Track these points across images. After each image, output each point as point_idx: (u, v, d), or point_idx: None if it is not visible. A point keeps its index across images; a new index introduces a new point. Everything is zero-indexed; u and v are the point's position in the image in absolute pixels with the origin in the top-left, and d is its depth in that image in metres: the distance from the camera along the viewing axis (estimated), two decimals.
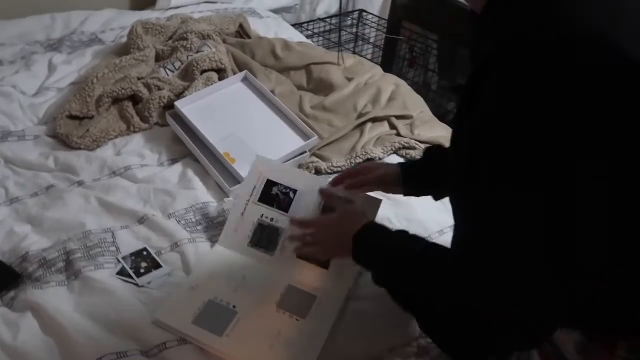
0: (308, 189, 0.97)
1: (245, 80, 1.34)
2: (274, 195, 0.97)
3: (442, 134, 1.35)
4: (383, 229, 0.78)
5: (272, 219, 0.96)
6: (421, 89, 1.99)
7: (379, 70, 1.53)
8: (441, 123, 1.41)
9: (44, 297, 0.85)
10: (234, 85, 1.33)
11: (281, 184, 1.00)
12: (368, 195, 0.95)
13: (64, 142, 1.19)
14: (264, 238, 0.97)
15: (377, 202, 0.95)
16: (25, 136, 1.21)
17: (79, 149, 1.19)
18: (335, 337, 0.85)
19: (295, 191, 0.99)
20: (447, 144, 1.30)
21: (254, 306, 0.88)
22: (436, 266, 0.68)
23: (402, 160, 1.25)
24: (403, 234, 0.76)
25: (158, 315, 0.83)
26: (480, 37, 0.65)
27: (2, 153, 1.15)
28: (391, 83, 1.45)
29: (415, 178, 0.91)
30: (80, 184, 1.11)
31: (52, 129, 1.22)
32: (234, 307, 0.87)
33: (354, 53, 2.15)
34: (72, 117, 1.24)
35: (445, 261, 0.67)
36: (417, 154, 1.24)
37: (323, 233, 0.86)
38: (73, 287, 0.88)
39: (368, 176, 0.92)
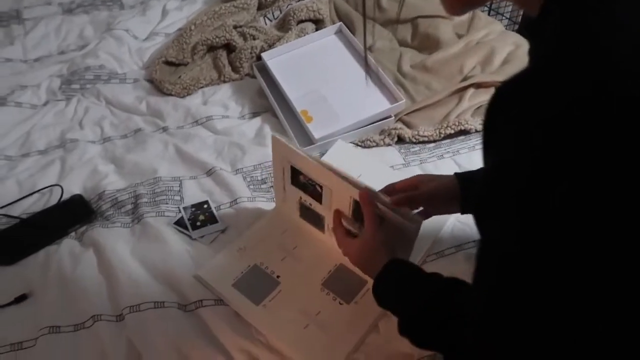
0: (334, 186, 0.79)
1: (339, 32, 1.25)
2: (303, 183, 0.84)
3: None
4: (402, 276, 0.66)
5: (310, 204, 0.89)
6: None
7: (497, 26, 1.32)
8: None
9: (107, 236, 0.89)
10: (326, 37, 1.24)
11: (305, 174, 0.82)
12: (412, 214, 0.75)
13: (158, 87, 1.23)
14: (310, 216, 0.91)
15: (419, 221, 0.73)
16: (127, 79, 1.27)
17: (170, 94, 1.21)
18: (377, 330, 0.78)
19: (321, 186, 0.80)
20: None
21: (298, 280, 0.83)
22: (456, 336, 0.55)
23: None
24: (424, 283, 0.64)
25: (200, 271, 0.83)
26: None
27: (103, 94, 1.22)
28: (509, 43, 1.24)
29: (473, 184, 0.73)
30: (165, 129, 1.14)
31: (150, 73, 1.26)
32: (278, 277, 0.83)
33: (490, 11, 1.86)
34: (168, 63, 1.27)
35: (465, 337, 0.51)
36: None
37: (345, 251, 0.77)
38: (135, 230, 0.91)
39: (415, 192, 0.76)
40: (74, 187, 1.00)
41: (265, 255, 0.86)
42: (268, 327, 0.76)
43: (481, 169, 0.77)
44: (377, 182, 0.83)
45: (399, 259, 0.68)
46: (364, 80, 1.15)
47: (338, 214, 0.79)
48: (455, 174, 0.78)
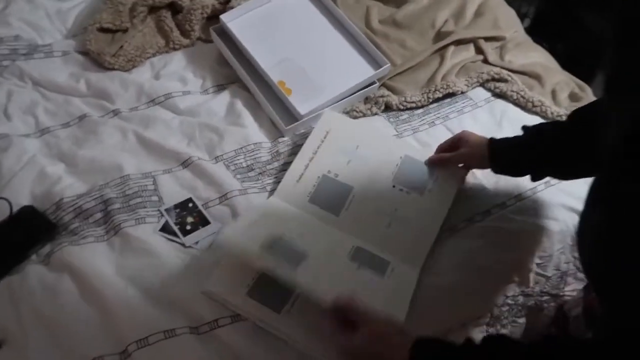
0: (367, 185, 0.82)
1: None
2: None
3: (537, 59, 1.12)
4: (442, 347, 0.58)
5: (337, 175, 0.81)
6: None
7: None
8: (535, 45, 1.16)
9: (82, 256, 0.75)
10: None
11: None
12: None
13: (96, 61, 1.03)
14: (328, 195, 0.83)
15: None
16: (53, 52, 1.05)
17: (113, 69, 1.03)
18: (409, 311, 0.75)
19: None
20: (543, 72, 1.09)
21: (322, 255, 0.76)
22: None
23: (489, 94, 1.05)
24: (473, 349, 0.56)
25: (207, 284, 0.73)
26: None
27: (28, 72, 1.00)
28: None
29: (505, 155, 0.80)
30: (116, 113, 0.97)
31: (82, 43, 1.05)
32: (292, 283, 0.75)
33: None
34: (103, 30, 1.07)
35: None
36: (508, 88, 1.03)
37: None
38: (113, 244, 0.78)
39: (454, 155, 0.86)
40: (20, 197, 0.82)
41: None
42: (298, 333, 0.70)
43: (518, 138, 0.78)
44: (377, 151, 0.90)
45: (424, 338, 0.59)
46: (341, 43, 1.05)
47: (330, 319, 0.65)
48: (490, 141, 0.82)
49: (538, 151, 0.77)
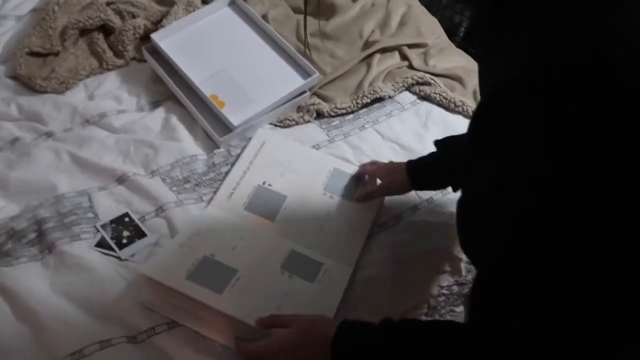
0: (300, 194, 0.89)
1: (232, 4, 1.15)
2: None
3: (459, 63, 1.19)
4: (362, 325, 0.62)
5: (271, 185, 0.84)
6: (432, 2, 1.77)
7: None
8: (458, 50, 1.24)
9: (15, 277, 0.75)
10: (220, 10, 1.14)
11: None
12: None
13: (27, 85, 1.04)
14: (263, 203, 0.86)
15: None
16: None
17: (45, 92, 1.03)
18: (345, 307, 0.78)
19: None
20: (464, 75, 1.16)
21: (255, 266, 0.78)
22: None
23: (414, 97, 1.11)
24: (388, 327, 0.59)
25: (145, 270, 0.74)
26: (491, 46, 0.46)
27: None
28: (402, 3, 1.26)
29: (424, 176, 0.85)
30: (50, 135, 0.97)
31: (11, 68, 1.05)
32: (232, 266, 0.78)
33: None
34: (33, 54, 1.07)
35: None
36: (432, 91, 1.09)
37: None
38: (47, 262, 0.78)
39: (374, 189, 0.90)
40: None
41: (212, 247, 0.79)
42: (241, 313, 0.71)
43: (432, 155, 0.81)
44: (308, 164, 0.94)
45: (347, 321, 0.63)
46: (271, 56, 1.09)
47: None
48: (407, 164, 0.85)
49: (450, 165, 0.80)
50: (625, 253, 0.35)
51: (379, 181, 0.92)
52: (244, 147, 0.97)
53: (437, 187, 0.89)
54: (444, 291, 0.93)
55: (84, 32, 1.12)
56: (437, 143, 0.85)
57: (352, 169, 0.95)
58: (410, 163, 0.85)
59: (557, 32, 0.37)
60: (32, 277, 0.76)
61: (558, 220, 0.36)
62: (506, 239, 0.40)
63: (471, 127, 0.45)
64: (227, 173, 0.93)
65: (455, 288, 0.95)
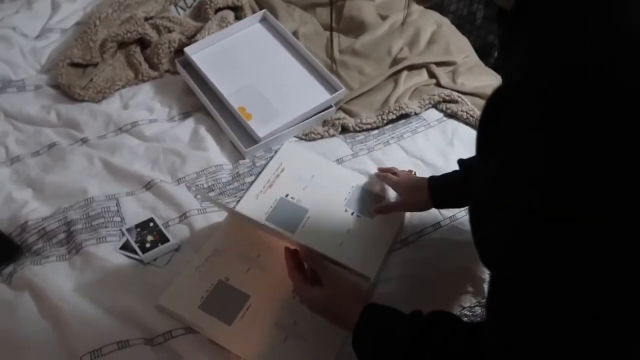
0: (321, 209, 0.90)
1: (263, 20, 1.18)
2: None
3: (488, 82, 1.18)
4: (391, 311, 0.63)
5: (293, 198, 0.85)
6: (464, 22, 1.77)
7: (415, 5, 1.33)
8: (488, 69, 1.23)
9: (43, 274, 0.78)
10: (251, 26, 1.17)
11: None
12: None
13: (67, 93, 1.09)
14: (284, 215, 0.87)
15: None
16: (26, 86, 1.10)
17: (82, 100, 1.08)
18: None
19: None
20: None
21: (268, 291, 0.79)
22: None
23: (441, 115, 1.10)
24: (408, 319, 0.59)
25: (161, 300, 0.76)
26: (510, 46, 0.45)
27: (1, 106, 1.05)
28: (432, 22, 1.26)
29: (446, 196, 0.83)
30: (84, 141, 1.01)
31: (53, 77, 1.11)
32: (246, 290, 0.78)
33: None
34: (74, 65, 1.13)
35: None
36: (459, 109, 1.09)
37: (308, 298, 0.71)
38: (74, 262, 0.81)
39: (393, 203, 0.91)
40: None
41: (227, 269, 0.80)
42: (245, 348, 0.72)
43: (455, 175, 0.80)
44: (331, 180, 0.95)
45: (374, 306, 0.64)
46: (299, 70, 1.11)
47: (292, 256, 0.73)
48: (429, 182, 0.84)
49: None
50: (625, 253, 0.35)
51: (392, 192, 0.92)
52: (269, 159, 0.99)
53: (457, 205, 0.88)
54: (466, 312, 0.91)
55: (122, 44, 1.17)
56: (461, 162, 0.84)
57: (375, 188, 0.94)
58: (432, 182, 0.84)
59: (559, 32, 0.37)
60: (58, 276, 0.78)
61: (558, 220, 0.35)
62: (506, 239, 0.39)
63: (479, 128, 0.46)
64: (251, 183, 0.95)
65: (477, 310, 0.92)
